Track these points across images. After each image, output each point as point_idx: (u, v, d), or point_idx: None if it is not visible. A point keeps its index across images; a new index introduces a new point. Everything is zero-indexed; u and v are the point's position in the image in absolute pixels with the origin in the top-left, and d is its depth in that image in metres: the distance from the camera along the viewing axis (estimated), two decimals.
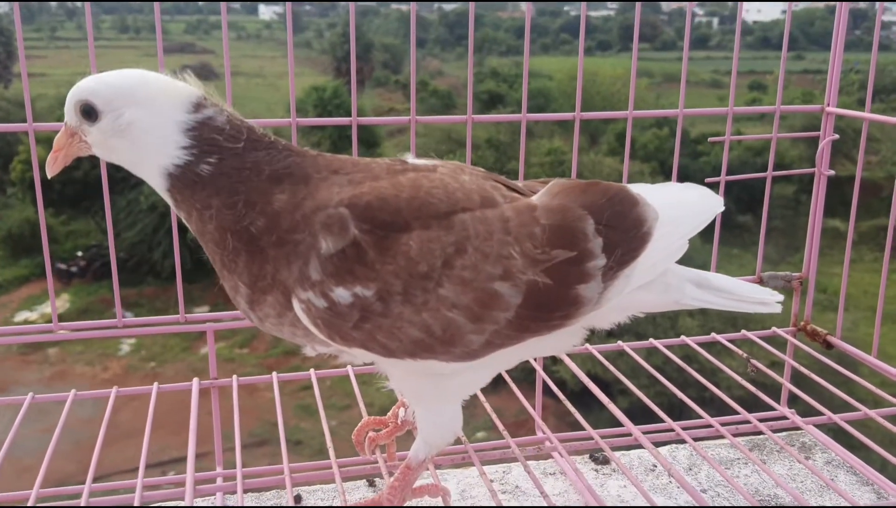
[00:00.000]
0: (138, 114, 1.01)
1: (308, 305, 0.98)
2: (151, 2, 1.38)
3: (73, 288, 18.08)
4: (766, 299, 1.20)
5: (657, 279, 1.13)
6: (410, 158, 1.13)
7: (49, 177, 1.08)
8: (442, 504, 1.24)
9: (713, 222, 1.47)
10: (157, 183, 1.03)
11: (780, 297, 1.21)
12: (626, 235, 1.07)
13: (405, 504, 1.16)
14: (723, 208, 1.21)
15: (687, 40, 1.61)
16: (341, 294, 0.97)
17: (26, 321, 17.45)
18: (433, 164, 1.10)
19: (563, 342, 1.16)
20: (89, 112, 1.02)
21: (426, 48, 35.82)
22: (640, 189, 1.14)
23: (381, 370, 1.15)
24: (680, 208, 1.15)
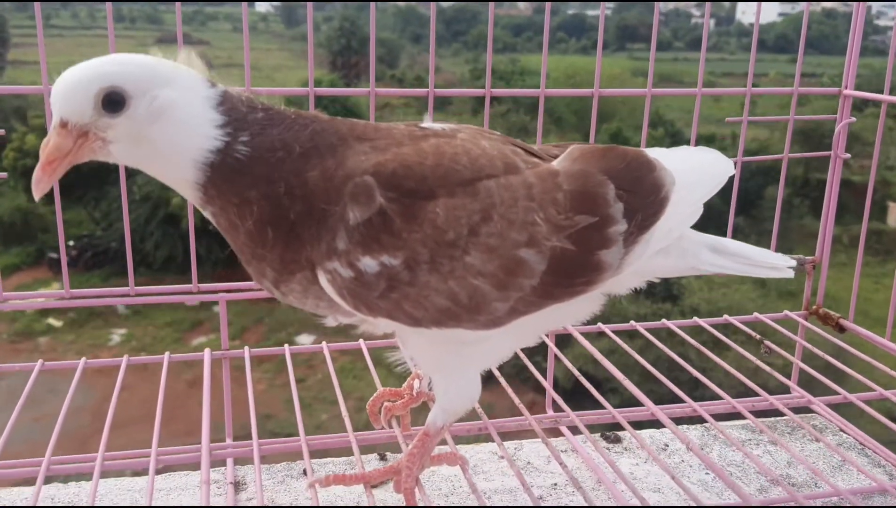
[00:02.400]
0: (174, 94, 0.92)
1: (334, 275, 0.96)
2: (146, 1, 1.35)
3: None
4: (779, 264, 1.22)
5: (674, 244, 1.14)
6: (427, 123, 1.11)
7: (37, 198, 0.91)
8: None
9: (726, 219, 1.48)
10: (191, 177, 0.94)
11: (793, 262, 1.23)
12: (645, 200, 1.07)
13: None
14: (733, 172, 1.22)
15: (704, 42, 1.61)
16: (368, 264, 0.96)
17: (17, 311, 17.38)
18: (451, 128, 1.09)
19: (582, 309, 1.16)
20: (116, 101, 0.90)
21: (422, 44, 35.77)
22: (656, 153, 1.14)
23: (401, 340, 1.13)
24: (695, 172, 1.16)
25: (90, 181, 18.75)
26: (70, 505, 1.33)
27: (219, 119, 0.95)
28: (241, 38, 1.41)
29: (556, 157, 1.09)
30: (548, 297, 1.04)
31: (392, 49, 31.72)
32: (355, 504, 1.35)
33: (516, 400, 1.39)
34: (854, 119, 1.64)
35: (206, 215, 0.99)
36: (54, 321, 17.02)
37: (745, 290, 15.17)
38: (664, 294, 14.83)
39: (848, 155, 1.65)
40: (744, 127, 1.62)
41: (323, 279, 0.98)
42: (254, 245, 0.98)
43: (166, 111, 0.91)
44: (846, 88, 1.65)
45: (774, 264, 1.21)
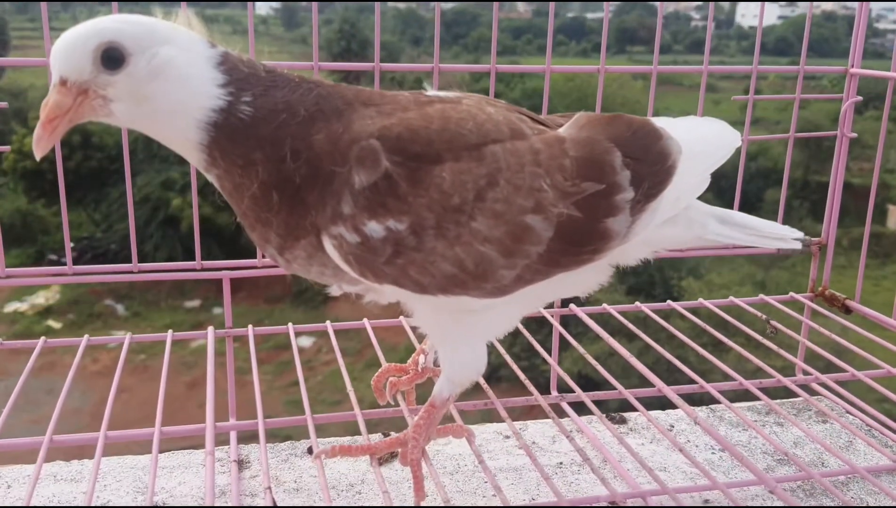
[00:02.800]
0: (173, 51, 0.91)
1: (340, 240, 0.95)
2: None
3: None
4: (786, 236, 1.22)
5: (681, 214, 1.13)
6: (431, 91, 1.11)
7: (38, 158, 0.90)
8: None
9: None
10: (194, 138, 0.93)
11: (799, 234, 1.23)
12: (652, 168, 1.07)
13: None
14: (740, 143, 1.21)
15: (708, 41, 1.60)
16: (374, 228, 0.94)
17: (16, 312, 17.35)
18: (456, 95, 1.08)
19: (589, 279, 1.15)
20: (115, 57, 0.89)
21: (422, 46, 35.79)
22: (663, 123, 1.14)
23: (407, 308, 1.12)
24: (702, 142, 1.15)
25: (90, 183, 18.76)
26: (70, 505, 1.32)
27: (220, 78, 0.94)
28: (241, 40, 1.39)
29: (561, 126, 1.09)
30: (554, 265, 1.03)
31: (392, 52, 31.70)
32: (361, 481, 1.34)
33: (522, 376, 1.38)
34: (860, 98, 1.63)
35: (210, 178, 0.98)
36: (53, 323, 16.99)
37: (744, 292, 15.16)
38: (663, 296, 14.82)
39: (854, 134, 1.64)
40: (749, 105, 1.61)
41: (328, 245, 0.97)
42: (258, 209, 0.97)
43: (166, 69, 0.90)
44: (853, 66, 1.64)
45: (781, 234, 1.21)
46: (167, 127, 0.95)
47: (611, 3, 1.57)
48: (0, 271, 1.39)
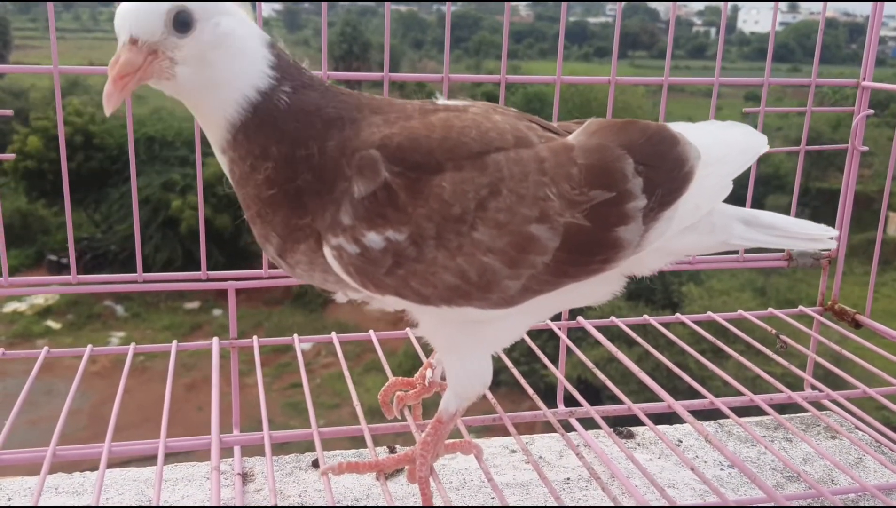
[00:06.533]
0: (233, 23, 0.94)
1: (339, 251, 0.95)
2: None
3: None
4: (819, 235, 1.16)
5: (703, 219, 1.09)
6: (441, 99, 1.09)
7: (108, 113, 0.92)
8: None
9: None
10: (229, 116, 0.94)
11: (835, 232, 1.17)
12: (667, 175, 1.04)
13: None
14: (767, 148, 1.16)
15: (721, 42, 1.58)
16: (373, 239, 0.94)
17: (15, 313, 17.33)
18: (464, 104, 1.07)
19: (601, 289, 1.13)
20: (185, 21, 0.91)
21: (423, 49, 35.81)
22: (680, 128, 1.10)
23: (412, 320, 1.11)
24: (723, 147, 1.11)
25: (90, 184, 18.75)
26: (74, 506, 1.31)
27: (271, 60, 0.96)
28: None
29: (572, 133, 1.07)
30: (563, 275, 1.01)
31: (393, 55, 31.67)
32: (366, 496, 1.33)
33: (530, 391, 1.37)
34: (872, 111, 1.62)
35: (223, 161, 0.98)
36: (53, 324, 16.97)
37: (745, 299, 15.13)
38: (664, 302, 14.78)
39: (866, 148, 1.63)
40: (761, 117, 1.59)
41: (329, 256, 0.96)
42: (261, 203, 0.97)
43: (228, 39, 0.93)
44: (864, 79, 1.63)
45: (814, 234, 1.15)
46: (213, 98, 0.95)
47: (616, 8, 1.55)
48: (3, 280, 1.37)
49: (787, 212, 1.65)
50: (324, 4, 1.39)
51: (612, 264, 1.03)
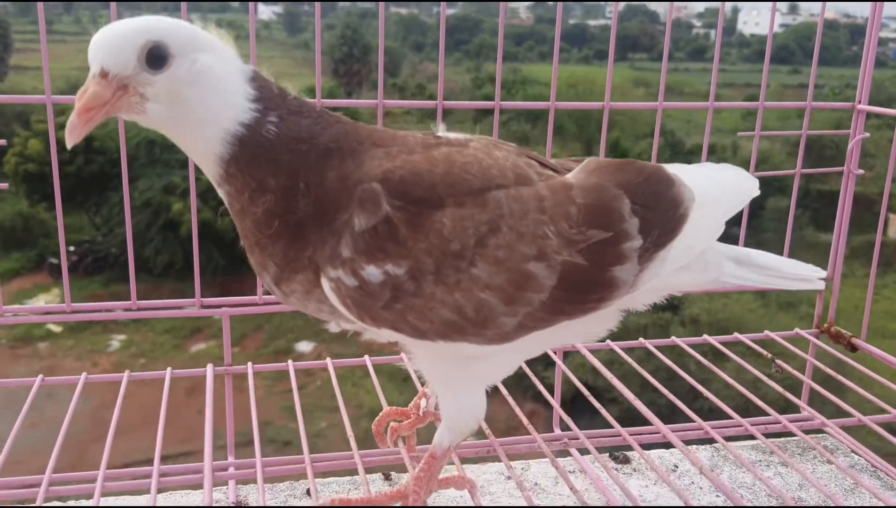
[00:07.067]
0: (211, 59, 0.92)
1: (338, 283, 0.94)
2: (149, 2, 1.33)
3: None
4: (809, 276, 1.17)
5: (696, 258, 1.10)
6: (441, 131, 1.09)
7: (70, 146, 0.90)
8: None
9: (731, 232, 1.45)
10: (218, 150, 0.93)
11: (823, 273, 1.19)
12: (663, 216, 1.04)
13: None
14: (758, 192, 1.18)
15: (718, 45, 1.59)
16: (372, 273, 0.93)
17: (17, 316, 17.34)
18: (465, 138, 1.07)
19: (595, 326, 1.13)
20: (160, 56, 0.89)
21: (424, 52, 35.83)
22: (676, 169, 1.11)
23: (406, 352, 1.11)
24: (716, 188, 1.12)
25: (91, 187, 18.77)
26: None
27: (251, 93, 0.94)
28: (244, 45, 1.39)
29: (571, 169, 1.07)
30: (558, 313, 1.01)
31: (394, 57, 31.80)
32: None
33: (525, 420, 1.36)
34: (868, 134, 1.62)
35: (221, 193, 0.97)
36: (54, 327, 17.00)
37: (745, 300, 15.12)
38: (664, 304, 14.76)
39: (861, 171, 1.63)
40: (755, 141, 1.59)
41: (327, 287, 0.96)
42: (259, 234, 0.96)
43: (204, 75, 0.91)
44: (860, 102, 1.63)
45: (805, 275, 1.17)
46: (194, 134, 0.94)
47: (609, 13, 1.53)
48: None
49: (786, 215, 1.66)
50: (317, 11, 1.38)
51: (606, 303, 1.03)
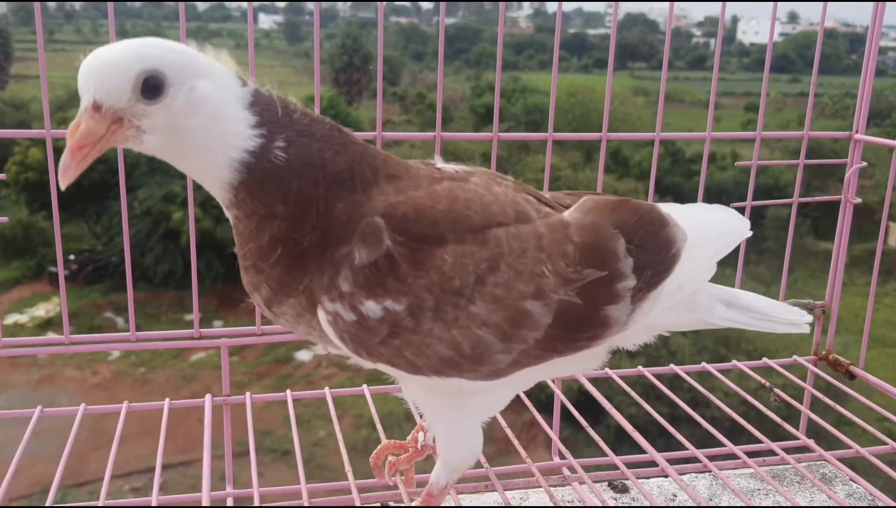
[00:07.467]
0: (210, 87, 0.87)
1: (335, 317, 0.94)
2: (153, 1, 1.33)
3: None
4: (797, 320, 1.18)
5: (685, 298, 1.11)
6: (439, 163, 1.09)
7: (64, 187, 0.86)
8: None
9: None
10: (225, 177, 0.90)
11: (810, 318, 1.19)
12: (656, 256, 1.05)
13: None
14: (750, 233, 1.19)
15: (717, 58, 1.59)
16: (371, 308, 0.93)
17: (16, 324, 17.31)
18: (465, 171, 1.06)
19: (585, 363, 1.13)
20: (156, 86, 0.85)
21: (424, 61, 35.90)
22: (668, 209, 1.12)
23: (400, 384, 1.12)
24: (708, 229, 1.13)
25: (91, 195, 18.77)
26: None
27: (251, 119, 0.91)
28: (244, 54, 1.39)
29: (568, 207, 1.07)
30: (551, 350, 1.01)
31: (394, 66, 31.86)
32: None
33: (523, 454, 1.37)
34: (865, 163, 1.62)
35: (228, 215, 0.96)
36: (54, 335, 16.96)
37: None
38: None
39: (859, 200, 1.63)
40: (753, 171, 1.60)
41: (324, 321, 0.95)
42: (257, 257, 0.95)
43: (203, 104, 0.87)
44: (857, 132, 1.63)
45: (791, 319, 1.18)
46: (199, 163, 0.92)
47: (614, 17, 1.52)
48: None
49: (786, 223, 1.66)
50: (316, 15, 1.38)
51: (599, 342, 1.04)
